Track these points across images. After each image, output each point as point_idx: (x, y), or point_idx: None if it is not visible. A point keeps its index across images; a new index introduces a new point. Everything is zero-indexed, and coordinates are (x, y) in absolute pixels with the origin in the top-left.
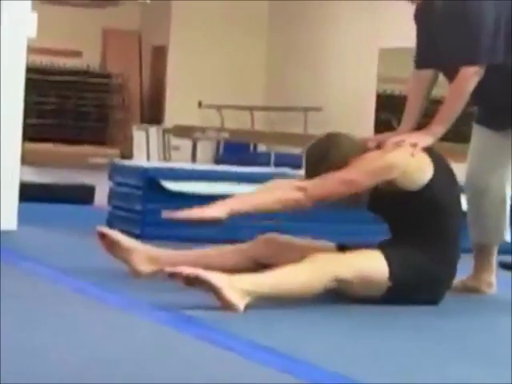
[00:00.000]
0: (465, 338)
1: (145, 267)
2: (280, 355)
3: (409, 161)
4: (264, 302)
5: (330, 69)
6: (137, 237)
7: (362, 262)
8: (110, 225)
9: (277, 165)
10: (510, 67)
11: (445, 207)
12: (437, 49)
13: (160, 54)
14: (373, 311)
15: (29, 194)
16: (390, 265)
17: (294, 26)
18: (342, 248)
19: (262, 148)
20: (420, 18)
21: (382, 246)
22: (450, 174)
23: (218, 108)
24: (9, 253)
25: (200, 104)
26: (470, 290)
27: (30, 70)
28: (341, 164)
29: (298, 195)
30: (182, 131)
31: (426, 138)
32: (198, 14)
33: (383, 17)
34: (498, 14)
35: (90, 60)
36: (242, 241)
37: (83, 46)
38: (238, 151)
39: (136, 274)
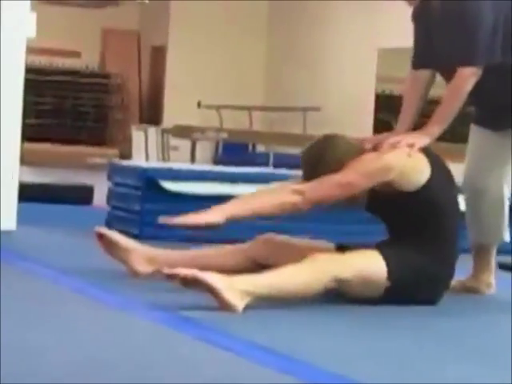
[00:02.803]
0: (464, 337)
1: (143, 267)
2: (278, 355)
3: (406, 162)
4: (262, 303)
5: (329, 69)
6: (135, 237)
7: (361, 262)
8: (109, 225)
9: (275, 165)
10: (508, 67)
11: (442, 208)
12: (434, 49)
13: (159, 54)
14: (372, 311)
15: (28, 194)
16: (388, 265)
17: (293, 26)
18: (341, 248)
19: (260, 148)
20: (418, 17)
21: (381, 247)
22: (448, 175)
23: (217, 108)
24: (8, 253)
25: (199, 104)
26: (469, 290)
27: (29, 70)
28: (338, 166)
29: (296, 199)
30: (181, 131)
31: (422, 139)
32: (197, 14)
33: (382, 17)
34: (496, 14)
35: (89, 60)
36: (240, 241)
37: (82, 46)
38: (236, 151)
39: (134, 274)
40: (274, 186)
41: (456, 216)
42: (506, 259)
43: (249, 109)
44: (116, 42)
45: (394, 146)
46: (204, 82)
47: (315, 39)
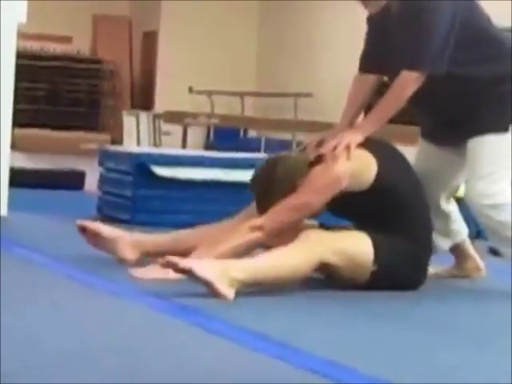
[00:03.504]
0: (453, 323)
1: (130, 254)
2: (272, 342)
3: (352, 166)
4: (256, 289)
5: (321, 55)
6: (127, 222)
7: (350, 242)
8: (100, 211)
9: (267, 150)
10: (457, 78)
11: (402, 192)
12: (385, 53)
13: (150, 40)
14: (363, 297)
15: (19, 179)
16: (375, 248)
17: (285, 12)
18: (324, 229)
19: (252, 134)
20: (373, 19)
21: (368, 230)
22: (397, 158)
23: (209, 94)
24: None
25: (191, 90)
26: (457, 276)
27: (20, 55)
28: (289, 188)
29: (257, 235)
30: (173, 117)
31: (356, 136)
32: (189, 0)
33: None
34: (452, 21)
35: (81, 46)
36: None
37: (73, 32)
38: (228, 137)
39: (123, 261)
40: (226, 223)
41: (421, 194)
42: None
43: (240, 94)
44: (107, 28)
45: (334, 156)
46: (196, 67)
47: (308, 25)
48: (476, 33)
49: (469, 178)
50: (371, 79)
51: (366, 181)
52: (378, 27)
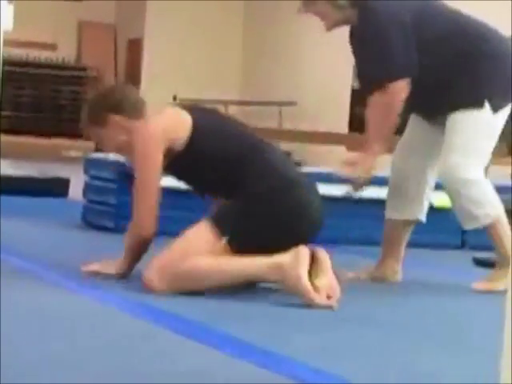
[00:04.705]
0: (417, 325)
1: None
2: (253, 348)
3: (163, 122)
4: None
5: (306, 64)
6: (111, 230)
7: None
8: (85, 218)
9: None
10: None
11: (225, 147)
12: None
13: (135, 47)
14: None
15: (3, 186)
16: (218, 222)
17: (269, 20)
18: None
19: None
20: (349, 41)
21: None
22: (216, 117)
23: (193, 102)
24: None
25: (175, 98)
26: (375, 279)
27: (5, 62)
28: None
29: (135, 230)
30: None
31: (369, 160)
32: (174, 8)
33: None
34: (403, 17)
35: (66, 53)
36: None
37: (58, 39)
38: None
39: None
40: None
41: (257, 144)
42: (482, 255)
43: (225, 103)
44: (92, 35)
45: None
46: (180, 75)
47: (291, 34)
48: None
49: (443, 152)
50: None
51: (182, 136)
52: (352, 47)
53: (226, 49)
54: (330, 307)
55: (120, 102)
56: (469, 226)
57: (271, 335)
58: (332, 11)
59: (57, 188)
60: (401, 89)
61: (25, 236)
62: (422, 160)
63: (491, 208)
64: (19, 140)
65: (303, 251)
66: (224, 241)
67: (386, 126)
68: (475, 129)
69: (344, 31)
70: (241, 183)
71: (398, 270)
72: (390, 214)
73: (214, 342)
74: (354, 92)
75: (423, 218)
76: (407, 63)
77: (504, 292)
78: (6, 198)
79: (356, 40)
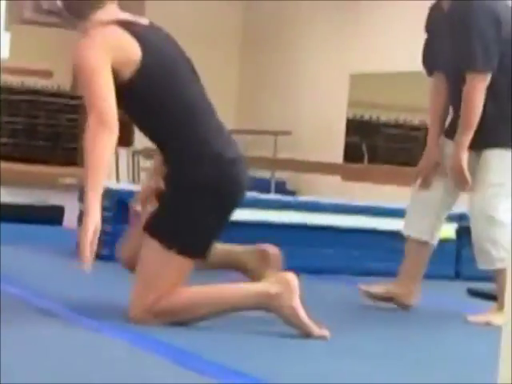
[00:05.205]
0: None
1: None
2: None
3: (113, 38)
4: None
5: (301, 93)
6: (106, 258)
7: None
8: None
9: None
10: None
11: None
12: (441, 52)
13: None
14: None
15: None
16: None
17: (266, 49)
18: None
19: None
20: (432, 19)
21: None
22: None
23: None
24: None
25: None
26: (391, 298)
27: (1, 89)
28: None
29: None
30: (152, 153)
31: (461, 155)
32: None
33: (354, 43)
34: (497, 22)
35: (61, 80)
36: None
37: (54, 66)
38: None
39: None
40: None
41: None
42: (477, 286)
43: None
44: None
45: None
46: None
47: (288, 64)
48: None
49: (476, 187)
50: (440, 80)
51: (134, 57)
52: (432, 30)
53: (222, 77)
54: (324, 338)
55: None
56: (483, 266)
57: (268, 366)
58: None
59: (51, 216)
60: (479, 82)
61: (19, 263)
62: (443, 191)
63: (506, 253)
64: (15, 167)
65: (294, 281)
66: (175, 252)
67: (469, 119)
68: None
69: (340, 66)
70: (176, 156)
71: (412, 291)
72: (406, 230)
73: (206, 370)
74: (348, 122)
75: (434, 241)
76: (491, 56)
77: (500, 328)
78: (2, 225)
79: (448, 25)
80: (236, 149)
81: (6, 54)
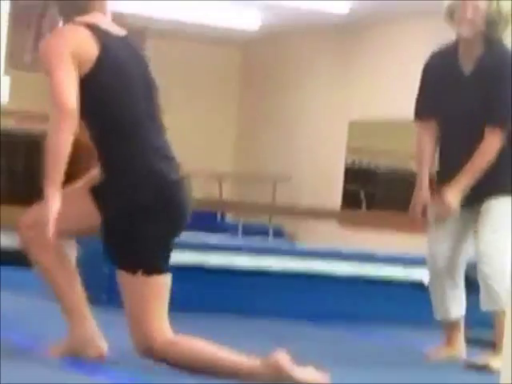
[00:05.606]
0: None
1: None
2: None
3: (72, 38)
4: None
5: (301, 140)
6: (104, 303)
7: None
8: None
9: (244, 234)
10: None
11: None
12: (455, 103)
13: None
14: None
15: None
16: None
17: (265, 96)
18: None
19: (229, 215)
20: (433, 68)
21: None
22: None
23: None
24: None
25: None
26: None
27: (1, 132)
28: None
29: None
30: None
31: (457, 197)
32: (168, 80)
33: (353, 91)
34: None
35: None
36: None
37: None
38: (205, 219)
39: None
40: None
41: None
42: (472, 333)
43: (218, 177)
44: None
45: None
46: (173, 148)
47: (287, 110)
48: None
49: (480, 231)
50: (432, 127)
51: (91, 57)
52: (442, 74)
53: (220, 121)
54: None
55: None
56: (487, 307)
57: None
58: None
59: None
60: (499, 136)
61: (13, 308)
62: (454, 246)
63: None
64: (13, 210)
65: (284, 359)
66: (140, 274)
67: (478, 167)
68: None
69: (340, 113)
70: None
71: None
72: (436, 315)
73: None
74: (347, 168)
75: (458, 314)
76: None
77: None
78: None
79: (472, 76)
80: (178, 171)
81: (5, 98)
